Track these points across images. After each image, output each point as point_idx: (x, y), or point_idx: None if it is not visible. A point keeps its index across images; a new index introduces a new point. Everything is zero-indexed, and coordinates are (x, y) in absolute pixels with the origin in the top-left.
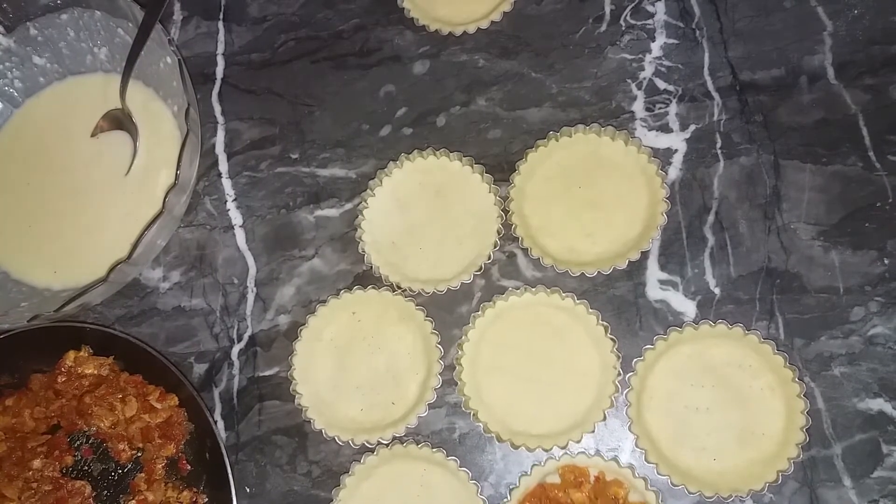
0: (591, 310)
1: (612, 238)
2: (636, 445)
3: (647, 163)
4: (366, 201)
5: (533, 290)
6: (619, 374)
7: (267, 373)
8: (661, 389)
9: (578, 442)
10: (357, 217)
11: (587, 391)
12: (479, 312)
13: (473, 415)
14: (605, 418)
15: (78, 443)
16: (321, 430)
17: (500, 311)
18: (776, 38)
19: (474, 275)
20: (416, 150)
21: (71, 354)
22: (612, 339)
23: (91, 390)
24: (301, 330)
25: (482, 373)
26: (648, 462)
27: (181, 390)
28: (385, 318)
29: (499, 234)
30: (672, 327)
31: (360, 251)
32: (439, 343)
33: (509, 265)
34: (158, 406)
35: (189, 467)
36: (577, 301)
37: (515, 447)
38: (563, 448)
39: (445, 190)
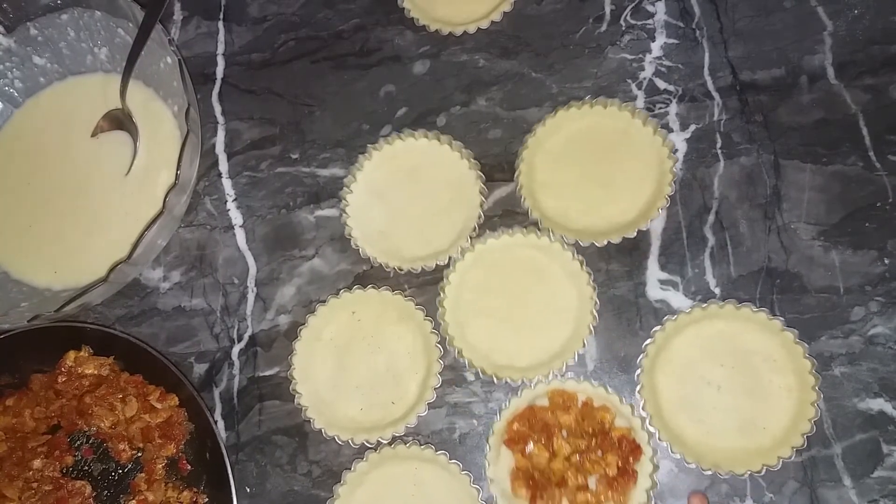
0: (566, 246)
1: (607, 216)
2: (642, 408)
3: (667, 158)
4: (345, 199)
5: (510, 231)
6: (596, 304)
7: (267, 373)
8: (682, 354)
9: (560, 370)
10: (342, 216)
11: (566, 323)
12: (459, 256)
13: (458, 352)
14: (584, 346)
15: (78, 443)
16: (321, 430)
17: (479, 253)
18: (776, 38)
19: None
20: (381, 139)
21: (71, 354)
22: (587, 272)
23: (91, 390)
24: (301, 329)
25: (464, 313)
26: (651, 426)
27: (181, 390)
28: (385, 317)
29: (482, 195)
30: (713, 300)
31: (353, 246)
32: (439, 343)
33: None
34: (159, 406)
35: (189, 467)
36: (553, 239)
37: (499, 379)
38: (545, 378)
39: (418, 168)
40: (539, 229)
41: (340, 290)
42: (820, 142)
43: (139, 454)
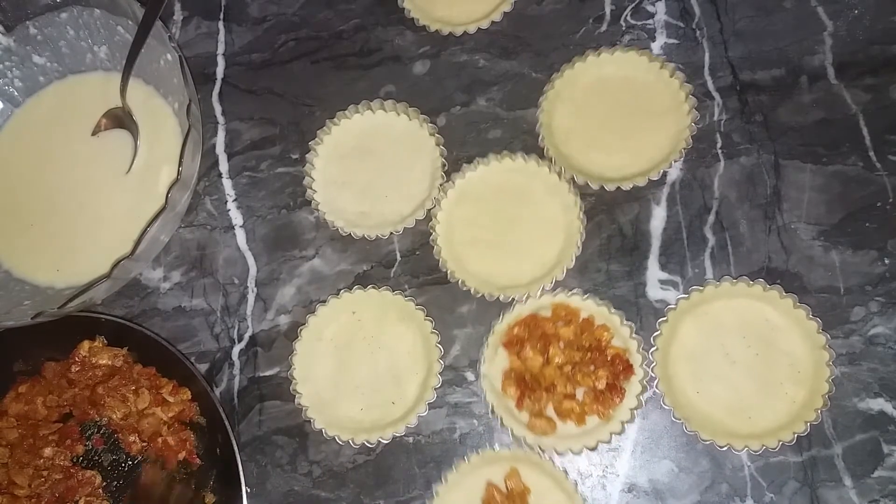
0: (540, 162)
1: (623, 164)
2: (656, 387)
3: (686, 115)
4: (314, 199)
5: (485, 160)
6: (581, 209)
7: (267, 373)
8: (720, 315)
9: (562, 277)
10: (318, 213)
11: (557, 234)
12: (442, 194)
13: (461, 282)
14: (580, 249)
15: (89, 432)
16: (321, 430)
17: (461, 188)
18: (776, 38)
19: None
20: (320, 130)
21: (86, 344)
22: (567, 182)
23: (104, 381)
24: (301, 330)
25: (458, 245)
26: (653, 372)
27: (193, 384)
28: (385, 317)
29: (434, 134)
30: (776, 286)
31: (341, 233)
32: (439, 343)
33: None
34: (171, 399)
35: (199, 462)
36: (528, 158)
37: (505, 298)
38: (548, 287)
39: (364, 142)
40: (553, 161)
41: (341, 290)
42: (820, 142)
43: (148, 446)
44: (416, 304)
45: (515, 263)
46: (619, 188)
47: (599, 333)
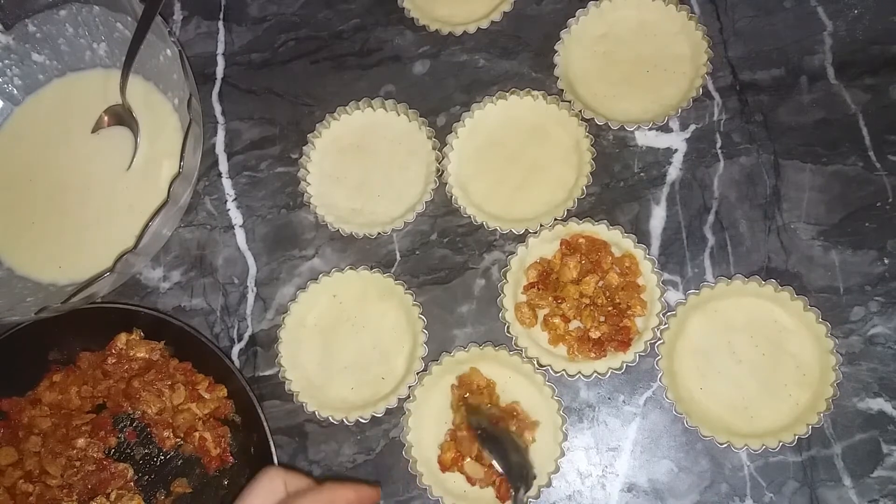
0: (549, 96)
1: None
2: (660, 380)
3: (583, 138)
4: (307, 192)
5: (495, 99)
6: (591, 140)
7: (267, 372)
8: (731, 313)
9: (572, 209)
10: (310, 206)
11: (568, 169)
12: (461, 122)
13: (485, 224)
14: (590, 181)
15: (122, 425)
16: (314, 412)
17: (470, 126)
18: (776, 37)
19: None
20: (319, 124)
21: (122, 336)
22: (575, 115)
23: (140, 374)
24: (284, 317)
25: (466, 178)
26: (658, 365)
27: (230, 381)
28: (366, 296)
29: (431, 138)
30: (787, 287)
31: (330, 229)
32: (421, 314)
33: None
34: (207, 396)
35: (232, 460)
36: (536, 95)
37: (542, 228)
38: (560, 219)
39: (362, 139)
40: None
41: (320, 274)
42: (820, 142)
43: (181, 443)
44: (395, 280)
45: (526, 196)
46: (623, 127)
47: (634, 304)
